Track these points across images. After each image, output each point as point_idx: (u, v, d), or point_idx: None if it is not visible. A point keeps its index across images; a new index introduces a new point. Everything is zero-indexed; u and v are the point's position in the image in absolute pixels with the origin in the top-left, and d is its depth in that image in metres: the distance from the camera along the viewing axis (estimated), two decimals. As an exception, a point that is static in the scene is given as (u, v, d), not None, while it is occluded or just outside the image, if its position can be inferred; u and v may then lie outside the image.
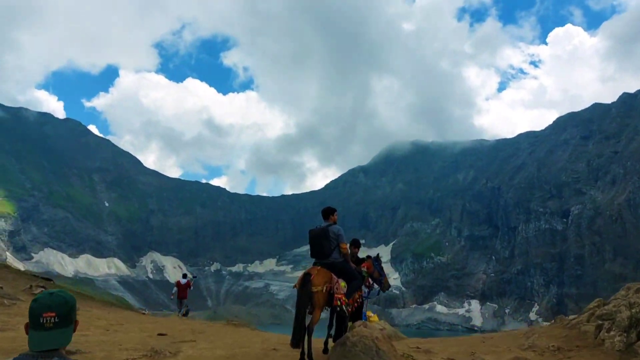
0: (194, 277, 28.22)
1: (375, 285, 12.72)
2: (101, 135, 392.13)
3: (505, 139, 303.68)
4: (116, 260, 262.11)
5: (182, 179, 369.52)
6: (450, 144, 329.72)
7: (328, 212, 11.62)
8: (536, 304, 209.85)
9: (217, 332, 13.33)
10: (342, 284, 9.63)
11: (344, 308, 9.46)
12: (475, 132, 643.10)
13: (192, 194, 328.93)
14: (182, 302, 22.31)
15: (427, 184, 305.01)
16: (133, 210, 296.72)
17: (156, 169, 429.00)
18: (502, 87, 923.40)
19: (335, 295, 9.20)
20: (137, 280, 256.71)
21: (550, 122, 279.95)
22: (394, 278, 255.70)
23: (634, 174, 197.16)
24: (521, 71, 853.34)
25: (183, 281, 22.76)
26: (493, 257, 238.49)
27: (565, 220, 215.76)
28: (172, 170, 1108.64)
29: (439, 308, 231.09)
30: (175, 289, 22.85)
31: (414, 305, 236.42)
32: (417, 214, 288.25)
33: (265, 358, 10.07)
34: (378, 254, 12.99)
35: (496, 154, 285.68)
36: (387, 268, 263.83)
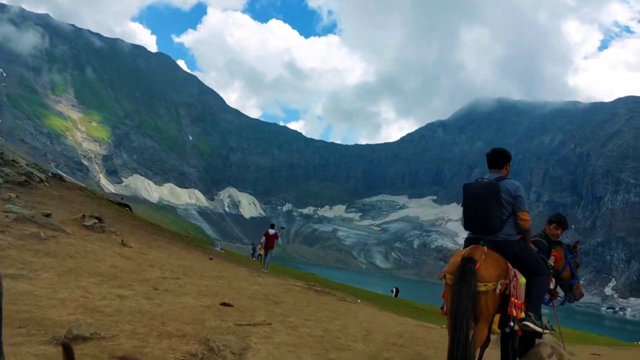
0: (282, 228, 28.79)
1: (560, 291, 7.17)
2: (189, 70, 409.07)
3: (602, 103, 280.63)
4: (197, 192, 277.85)
5: (262, 119, 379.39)
6: (539, 103, 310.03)
7: (501, 157, 6.37)
8: (614, 279, 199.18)
9: (297, 304, 9.89)
10: (522, 280, 5.28)
11: (525, 324, 5.21)
12: (568, 92, 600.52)
13: (270, 135, 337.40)
14: (269, 252, 22.76)
15: (509, 144, 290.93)
16: (214, 146, 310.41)
17: (237, 108, 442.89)
18: (604, 46, 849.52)
19: (512, 299, 5.07)
20: (215, 212, 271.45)
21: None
22: (463, 237, 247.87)
23: None
24: (627, 29, 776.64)
25: (271, 231, 22.89)
26: (573, 227, 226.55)
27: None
28: (252, 111, 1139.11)
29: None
30: (263, 238, 23.19)
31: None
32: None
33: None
34: (577, 242, 7.20)
35: (589, 117, 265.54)
36: (457, 226, 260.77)
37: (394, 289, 52.38)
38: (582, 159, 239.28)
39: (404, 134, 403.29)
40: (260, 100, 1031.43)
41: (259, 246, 31.47)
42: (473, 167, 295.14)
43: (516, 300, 5.19)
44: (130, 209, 31.31)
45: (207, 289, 9.14)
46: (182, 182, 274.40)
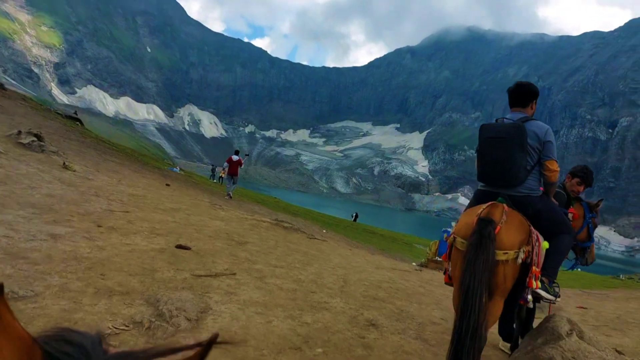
0: (246, 155, 26.68)
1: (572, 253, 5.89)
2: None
3: (568, 37, 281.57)
4: (155, 108, 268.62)
5: (225, 34, 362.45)
6: (508, 34, 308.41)
7: (527, 93, 4.60)
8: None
9: (264, 245, 8.17)
10: (544, 244, 4.20)
11: (542, 293, 4.20)
12: (537, 23, 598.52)
13: (234, 52, 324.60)
14: (233, 179, 21.53)
15: (475, 75, 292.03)
16: (174, 60, 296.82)
17: (200, 20, 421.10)
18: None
19: (533, 269, 4.05)
20: (174, 129, 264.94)
21: (622, 24, 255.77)
22: (422, 165, 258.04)
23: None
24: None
25: (235, 157, 21.64)
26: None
27: (610, 131, 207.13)
28: (216, 24, 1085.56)
29: (462, 200, 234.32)
30: (226, 164, 21.85)
31: (437, 194, 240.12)
32: (458, 104, 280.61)
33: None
34: (601, 200, 6.01)
35: (555, 51, 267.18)
36: (417, 155, 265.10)
37: (354, 214, 52.89)
38: (543, 93, 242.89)
39: (372, 58, 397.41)
40: (224, 12, 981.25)
41: (221, 170, 30.15)
42: (438, 96, 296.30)
43: (537, 270, 4.09)
44: (82, 124, 29.13)
45: (161, 226, 7.66)
46: (140, 96, 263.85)
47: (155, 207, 9.68)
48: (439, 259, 12.06)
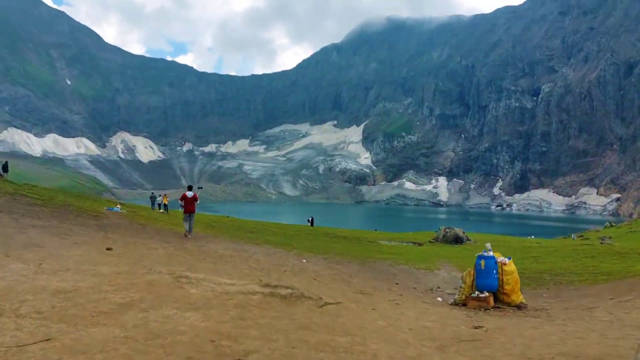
0: (199, 188, 24.70)
1: None
2: (54, 6, 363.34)
3: (483, 15, 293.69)
4: (85, 140, 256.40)
5: (147, 55, 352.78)
6: (426, 19, 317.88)
7: None
8: (500, 180, 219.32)
9: (275, 345, 5.48)
10: None
11: None
12: (452, 5, 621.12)
13: (159, 72, 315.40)
14: (191, 217, 19.44)
15: (401, 62, 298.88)
16: (97, 89, 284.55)
17: (118, 45, 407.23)
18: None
19: None
20: (109, 159, 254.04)
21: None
22: (364, 157, 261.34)
23: (607, 51, 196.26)
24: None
25: (189, 194, 19.68)
26: (462, 136, 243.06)
27: (535, 98, 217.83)
28: (135, 47, 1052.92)
29: (408, 185, 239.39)
30: (181, 202, 19.79)
31: (383, 183, 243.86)
32: (389, 93, 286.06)
33: None
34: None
35: (472, 30, 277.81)
36: (359, 148, 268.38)
37: (310, 219, 52.38)
38: (468, 71, 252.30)
39: (299, 60, 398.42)
40: (143, 34, 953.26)
41: (162, 197, 28.20)
42: (369, 88, 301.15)
43: None
44: (3, 173, 26.63)
45: (106, 358, 4.68)
46: (67, 131, 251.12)
47: (94, 312, 6.25)
48: (481, 295, 9.12)
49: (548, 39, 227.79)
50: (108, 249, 11.86)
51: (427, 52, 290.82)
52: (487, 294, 9.30)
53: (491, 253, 9.79)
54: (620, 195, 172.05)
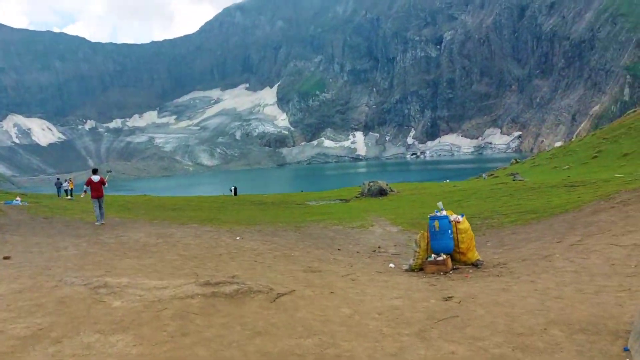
0: (108, 171, 22.01)
1: None
2: None
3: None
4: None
5: (31, 29, 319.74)
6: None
7: None
8: (413, 129, 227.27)
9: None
10: None
11: None
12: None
13: (47, 47, 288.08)
14: (100, 202, 17.05)
15: (307, 19, 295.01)
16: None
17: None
18: None
19: None
20: (2, 146, 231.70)
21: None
22: (281, 119, 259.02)
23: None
24: None
25: (95, 178, 17.23)
26: (374, 89, 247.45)
27: (439, 47, 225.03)
28: (17, 20, 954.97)
29: (327, 143, 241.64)
30: (86, 187, 17.26)
31: (303, 143, 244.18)
32: (299, 52, 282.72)
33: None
34: None
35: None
36: (275, 110, 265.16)
37: (232, 188, 50.71)
38: (373, 25, 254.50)
39: (202, 23, 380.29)
40: (23, 5, 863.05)
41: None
42: (278, 49, 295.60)
43: None
44: None
45: None
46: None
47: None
48: (439, 258, 8.44)
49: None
50: (5, 257, 9.64)
51: (332, 7, 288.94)
52: (444, 256, 8.64)
53: (444, 212, 9.15)
54: (521, 133, 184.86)
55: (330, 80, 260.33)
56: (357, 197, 34.53)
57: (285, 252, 11.22)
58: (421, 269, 8.75)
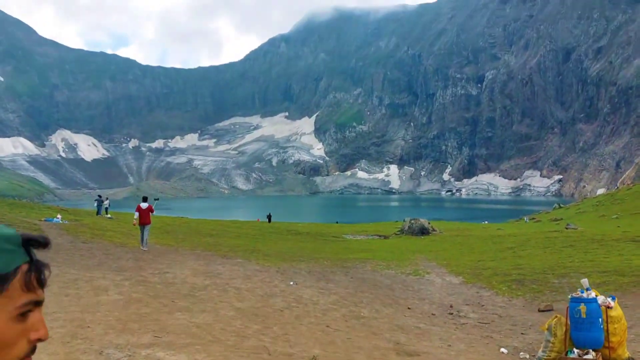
0: (156, 200, 23.14)
1: None
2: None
3: (427, 4, 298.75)
4: (22, 140, 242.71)
5: (86, 49, 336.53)
6: (372, 9, 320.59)
7: None
8: (449, 166, 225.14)
9: None
10: None
11: None
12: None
13: (99, 66, 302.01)
14: (145, 229, 17.93)
15: (350, 52, 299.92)
16: (33, 85, 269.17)
17: (53, 38, 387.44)
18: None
19: None
20: (49, 159, 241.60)
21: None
22: (317, 148, 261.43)
23: (546, 38, 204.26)
24: None
25: (144, 205, 18.18)
26: (412, 124, 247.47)
27: (480, 85, 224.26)
28: (72, 40, 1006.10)
29: (360, 174, 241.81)
30: (136, 214, 18.23)
31: (337, 173, 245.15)
32: (339, 84, 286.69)
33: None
34: None
35: (418, 19, 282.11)
36: (311, 139, 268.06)
37: (268, 215, 51.33)
38: (415, 60, 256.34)
39: (247, 51, 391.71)
40: (80, 26, 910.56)
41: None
42: (319, 79, 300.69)
43: None
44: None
45: None
46: (2, 130, 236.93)
47: None
48: (587, 357, 6.50)
49: (490, 27, 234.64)
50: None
51: (375, 41, 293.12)
52: (593, 354, 6.60)
53: (592, 293, 6.94)
54: (562, 177, 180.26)
55: (368, 113, 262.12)
56: (396, 234, 34.34)
57: (352, 309, 9.97)
58: None
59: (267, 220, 49.74)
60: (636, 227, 33.73)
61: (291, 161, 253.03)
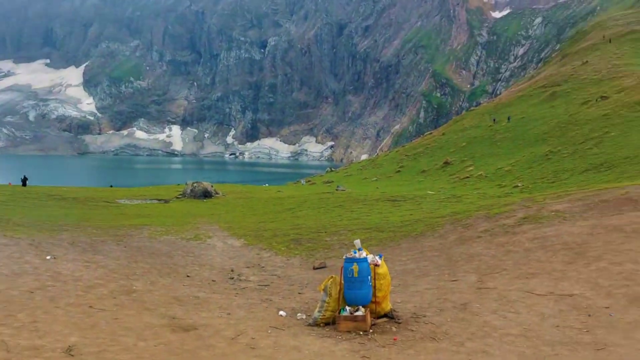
0: None
1: None
2: None
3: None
4: None
5: None
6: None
7: None
8: (233, 129, 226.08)
9: None
10: None
11: None
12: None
13: None
14: None
15: (125, 0, 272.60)
16: None
17: None
18: None
19: None
20: None
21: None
22: (87, 103, 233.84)
23: (323, 11, 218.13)
24: None
25: None
26: (195, 84, 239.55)
27: (263, 50, 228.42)
28: None
29: (139, 134, 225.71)
30: None
31: (111, 132, 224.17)
32: (113, 33, 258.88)
33: None
34: None
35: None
36: (79, 92, 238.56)
37: (23, 178, 42.81)
38: (198, 17, 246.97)
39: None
40: None
41: None
42: (88, 26, 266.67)
43: None
44: None
45: None
46: None
47: None
48: (357, 313, 6.63)
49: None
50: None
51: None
52: (362, 310, 6.76)
53: (363, 253, 7.08)
54: (333, 143, 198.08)
55: (147, 68, 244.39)
56: (178, 197, 31.86)
57: (123, 283, 8.38)
58: (328, 323, 6.92)
59: (22, 184, 41.43)
60: (391, 188, 37.98)
61: (54, 116, 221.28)
